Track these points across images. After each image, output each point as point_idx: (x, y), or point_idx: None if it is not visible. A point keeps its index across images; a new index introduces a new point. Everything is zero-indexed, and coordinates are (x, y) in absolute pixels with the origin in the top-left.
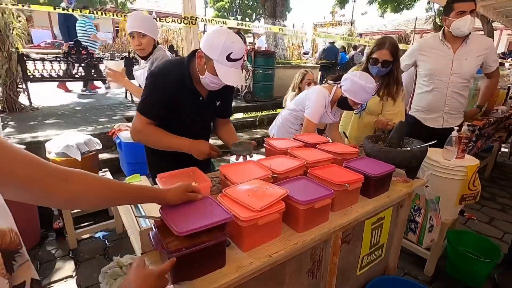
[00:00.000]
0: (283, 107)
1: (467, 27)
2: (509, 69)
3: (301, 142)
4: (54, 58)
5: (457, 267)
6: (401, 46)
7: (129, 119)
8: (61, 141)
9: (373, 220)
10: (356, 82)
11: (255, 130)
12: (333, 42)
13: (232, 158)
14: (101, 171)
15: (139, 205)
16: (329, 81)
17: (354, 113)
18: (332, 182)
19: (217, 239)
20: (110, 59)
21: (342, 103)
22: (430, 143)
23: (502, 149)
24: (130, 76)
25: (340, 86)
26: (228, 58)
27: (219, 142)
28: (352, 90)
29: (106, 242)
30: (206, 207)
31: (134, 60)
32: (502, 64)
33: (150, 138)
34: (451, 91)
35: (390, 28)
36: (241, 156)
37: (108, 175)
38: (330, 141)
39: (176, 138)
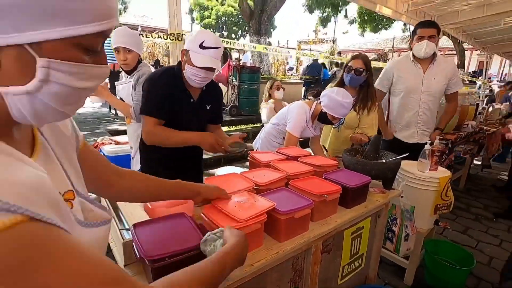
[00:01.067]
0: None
1: (423, 51)
2: (479, 87)
3: (283, 155)
4: None
5: (435, 276)
6: (380, 64)
7: (112, 133)
8: None
9: (353, 230)
10: (334, 98)
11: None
12: (317, 59)
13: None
14: None
15: (122, 216)
16: (309, 97)
17: (333, 127)
18: (311, 193)
19: (197, 249)
20: None
21: (322, 118)
22: (403, 155)
23: (475, 162)
24: (114, 90)
25: (320, 102)
26: (201, 46)
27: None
28: (331, 106)
29: None
30: (181, 229)
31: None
32: (473, 82)
33: (161, 136)
34: (423, 107)
35: (370, 47)
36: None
37: None
38: (312, 154)
39: (185, 133)
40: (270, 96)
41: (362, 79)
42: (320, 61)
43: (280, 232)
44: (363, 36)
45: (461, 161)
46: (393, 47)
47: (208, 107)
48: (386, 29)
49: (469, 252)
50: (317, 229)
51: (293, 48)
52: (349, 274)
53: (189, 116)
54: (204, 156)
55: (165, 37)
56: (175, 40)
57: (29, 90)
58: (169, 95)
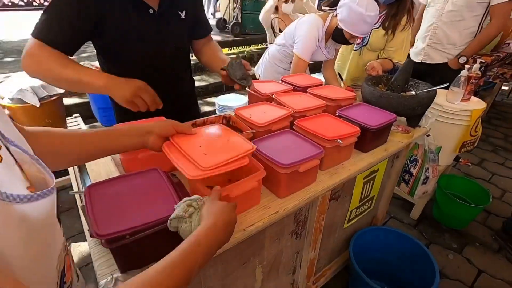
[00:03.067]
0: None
1: None
2: None
3: (289, 85)
4: None
5: (444, 211)
6: None
7: None
8: (14, 85)
9: (366, 174)
10: (354, 10)
11: None
12: None
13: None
14: (71, 117)
15: (88, 173)
16: (323, 8)
17: (354, 49)
18: (322, 137)
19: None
20: None
21: (338, 36)
22: (441, 86)
23: (503, 87)
24: None
25: (336, 15)
26: None
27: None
28: (349, 21)
29: None
30: (152, 192)
31: None
32: None
33: (42, 65)
34: (441, 20)
35: None
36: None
37: (80, 121)
38: (324, 83)
39: (80, 67)
40: (276, 10)
41: None
42: None
43: (280, 187)
44: None
45: (487, 87)
46: None
47: (183, 15)
48: None
49: (486, 189)
50: (326, 180)
51: None
52: (357, 217)
53: (150, 37)
54: (200, 83)
55: None
56: None
57: None
58: (101, 6)
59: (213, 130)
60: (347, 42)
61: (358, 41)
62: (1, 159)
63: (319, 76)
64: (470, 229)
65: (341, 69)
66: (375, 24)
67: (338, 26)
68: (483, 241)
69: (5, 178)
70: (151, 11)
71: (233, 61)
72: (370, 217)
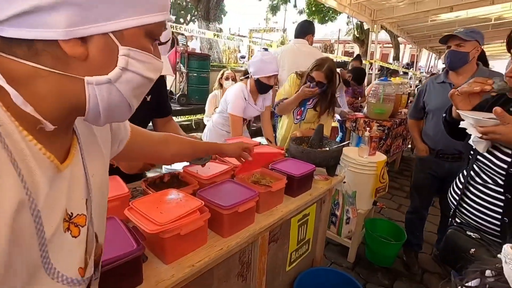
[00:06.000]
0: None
1: None
2: (410, 78)
3: None
4: None
5: (373, 251)
6: (327, 55)
7: None
8: None
9: (299, 217)
10: (255, 60)
11: (190, 134)
12: (267, 49)
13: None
14: None
15: None
16: (241, 78)
17: (294, 123)
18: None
19: (129, 256)
20: None
21: (261, 87)
22: (344, 143)
23: (409, 145)
24: None
25: (251, 76)
26: None
27: None
28: (257, 69)
29: None
30: (112, 236)
31: None
32: (405, 73)
33: None
34: None
35: (319, 37)
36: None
37: None
38: (261, 143)
39: None
40: (221, 86)
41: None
42: (270, 50)
43: (223, 227)
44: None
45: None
46: (338, 38)
47: (148, 98)
48: (332, 21)
49: (401, 227)
50: (263, 220)
51: (244, 36)
52: (297, 259)
53: None
54: None
55: None
56: None
57: (111, 79)
58: None
59: (168, 194)
60: (269, 87)
61: (274, 80)
62: (79, 233)
63: (261, 139)
64: (396, 265)
65: (284, 136)
66: (309, 104)
67: (255, 79)
68: (407, 275)
69: (67, 259)
70: None
71: None
72: (309, 260)
